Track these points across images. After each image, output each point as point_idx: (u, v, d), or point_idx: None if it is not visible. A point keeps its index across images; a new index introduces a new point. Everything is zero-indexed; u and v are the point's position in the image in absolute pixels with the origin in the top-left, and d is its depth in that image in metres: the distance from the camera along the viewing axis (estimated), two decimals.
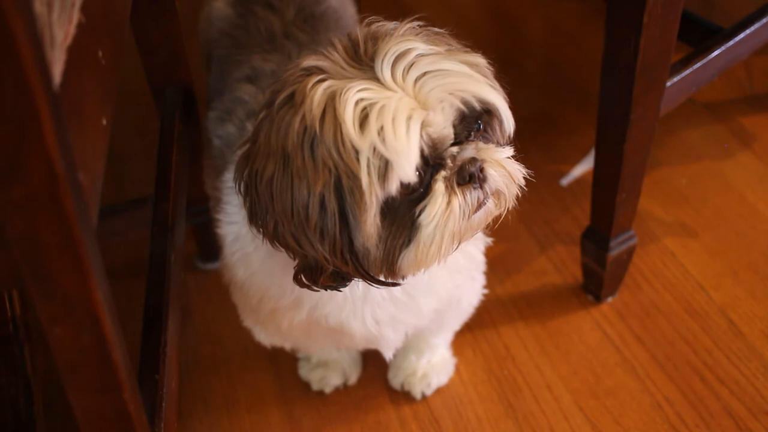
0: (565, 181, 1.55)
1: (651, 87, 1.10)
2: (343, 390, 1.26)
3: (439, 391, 1.24)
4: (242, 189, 0.85)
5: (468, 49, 0.88)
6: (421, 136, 0.78)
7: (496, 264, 1.40)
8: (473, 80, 0.82)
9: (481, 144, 0.85)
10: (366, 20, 0.90)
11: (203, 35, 1.29)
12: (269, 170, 0.81)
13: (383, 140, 0.76)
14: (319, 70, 0.81)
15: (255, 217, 0.85)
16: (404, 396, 1.24)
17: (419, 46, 0.82)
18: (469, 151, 0.83)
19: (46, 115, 0.51)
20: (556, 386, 1.23)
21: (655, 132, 1.16)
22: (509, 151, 0.89)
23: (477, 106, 0.82)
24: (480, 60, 0.86)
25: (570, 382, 1.24)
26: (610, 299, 1.34)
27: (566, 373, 1.25)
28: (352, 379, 1.25)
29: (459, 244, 0.86)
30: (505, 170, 0.86)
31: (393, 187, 0.78)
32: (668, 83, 1.13)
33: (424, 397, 1.23)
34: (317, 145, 0.78)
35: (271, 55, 1.10)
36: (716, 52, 1.22)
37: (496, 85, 0.87)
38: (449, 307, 1.06)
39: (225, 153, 1.05)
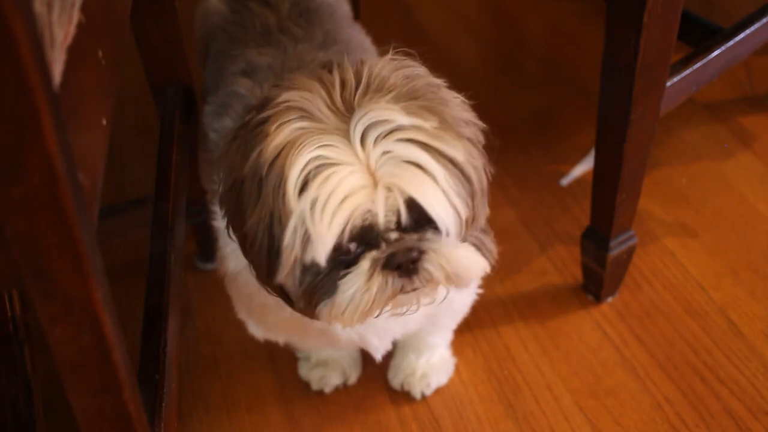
0: (565, 181, 1.55)
1: (651, 87, 1.10)
2: (343, 390, 1.26)
3: (438, 391, 1.24)
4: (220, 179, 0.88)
5: (462, 109, 0.85)
6: (348, 221, 0.77)
7: (496, 264, 1.39)
8: (425, 186, 0.78)
9: (430, 235, 0.82)
10: (375, 55, 0.90)
11: (198, 31, 1.30)
12: (232, 179, 0.84)
13: (311, 215, 0.77)
14: (297, 108, 0.81)
15: (221, 204, 0.89)
16: (404, 396, 1.24)
17: (401, 120, 0.78)
18: (409, 240, 0.81)
19: (46, 115, 0.51)
20: (556, 386, 1.23)
21: (655, 132, 1.16)
22: (466, 247, 0.86)
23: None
24: (460, 156, 0.80)
25: (570, 382, 1.24)
26: (610, 299, 1.34)
27: (566, 373, 1.25)
28: (352, 378, 1.25)
29: (384, 311, 0.86)
30: (453, 265, 0.84)
31: (309, 259, 0.79)
32: (668, 83, 1.13)
33: (423, 397, 1.23)
34: (263, 184, 0.80)
35: (267, 49, 1.10)
36: (716, 52, 1.22)
37: (461, 189, 0.81)
38: (441, 309, 1.04)
39: (221, 146, 1.05)
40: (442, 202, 0.79)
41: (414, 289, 0.84)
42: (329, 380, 1.24)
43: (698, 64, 1.19)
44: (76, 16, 0.64)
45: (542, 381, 1.24)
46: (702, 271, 1.37)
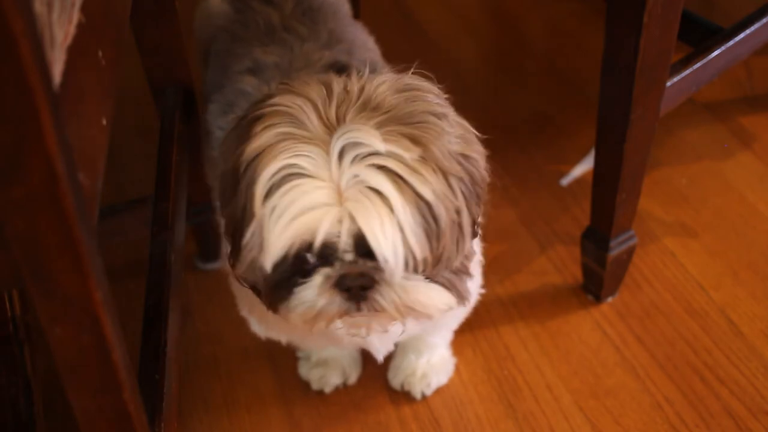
0: (565, 181, 1.55)
1: (651, 87, 1.10)
2: (343, 390, 1.26)
3: (439, 391, 1.24)
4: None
5: (460, 143, 0.82)
6: (300, 235, 0.77)
7: (496, 264, 1.40)
8: (377, 217, 0.76)
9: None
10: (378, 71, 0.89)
11: (199, 32, 1.29)
12: (223, 168, 0.86)
13: (268, 222, 0.78)
14: (286, 113, 0.81)
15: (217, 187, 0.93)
16: (404, 396, 1.24)
17: (378, 146, 0.77)
18: (362, 266, 0.80)
19: (46, 115, 0.51)
20: (556, 386, 1.23)
21: (655, 132, 1.16)
22: (428, 284, 0.83)
23: None
24: (430, 194, 0.77)
25: (570, 382, 1.24)
26: (610, 299, 1.34)
27: (566, 373, 1.25)
28: (352, 378, 1.25)
29: (338, 327, 0.86)
30: (407, 300, 0.82)
31: (260, 262, 0.80)
32: (668, 83, 1.13)
33: (424, 396, 1.23)
34: (239, 181, 0.81)
35: (272, 48, 1.10)
36: (716, 52, 1.22)
37: (423, 228, 0.78)
38: None
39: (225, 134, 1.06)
40: (391, 237, 0.77)
41: (362, 315, 0.84)
42: (329, 380, 1.24)
43: (698, 64, 1.19)
44: (76, 16, 0.64)
45: (542, 381, 1.24)
46: (702, 271, 1.37)
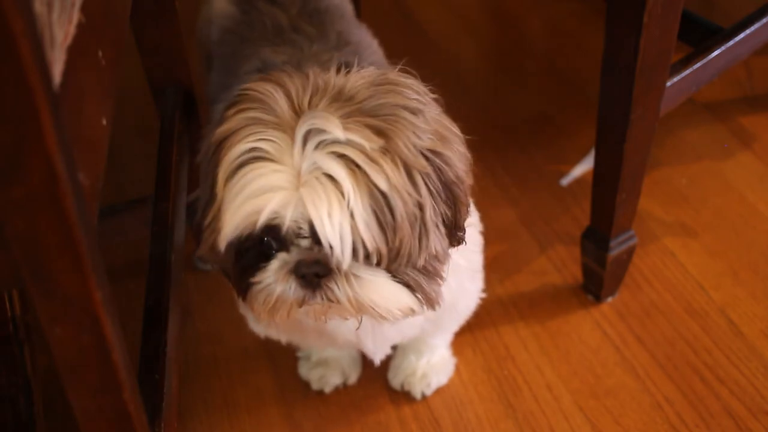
0: (565, 181, 1.55)
1: (651, 87, 1.10)
2: (343, 390, 1.26)
3: (439, 391, 1.24)
4: None
5: (430, 139, 0.81)
6: (252, 216, 0.78)
7: (496, 264, 1.40)
8: (326, 204, 0.76)
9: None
10: (347, 65, 0.88)
11: (203, 34, 1.29)
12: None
13: (225, 203, 0.79)
14: (258, 99, 0.82)
15: None
16: (404, 396, 1.24)
17: (338, 134, 0.77)
18: (317, 254, 0.80)
19: (46, 115, 0.51)
20: (556, 386, 1.23)
21: (655, 132, 1.16)
22: (388, 281, 0.82)
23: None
24: (385, 184, 0.77)
25: (570, 382, 1.24)
26: (610, 299, 1.34)
27: (566, 373, 1.25)
28: (352, 378, 1.25)
29: (299, 314, 0.86)
30: (361, 294, 0.82)
31: (218, 244, 0.82)
32: (668, 83, 1.13)
33: (424, 397, 1.23)
34: (209, 163, 0.83)
35: (282, 48, 1.10)
36: (716, 52, 1.22)
37: (377, 219, 0.78)
38: (444, 312, 1.02)
39: None
40: (338, 223, 0.77)
41: (317, 304, 0.83)
42: (329, 380, 1.24)
43: (698, 64, 1.19)
44: (76, 16, 0.64)
45: (542, 381, 1.24)
46: (702, 271, 1.37)
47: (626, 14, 1.03)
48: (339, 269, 0.81)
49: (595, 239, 1.26)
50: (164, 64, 1.24)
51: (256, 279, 0.83)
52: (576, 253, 1.37)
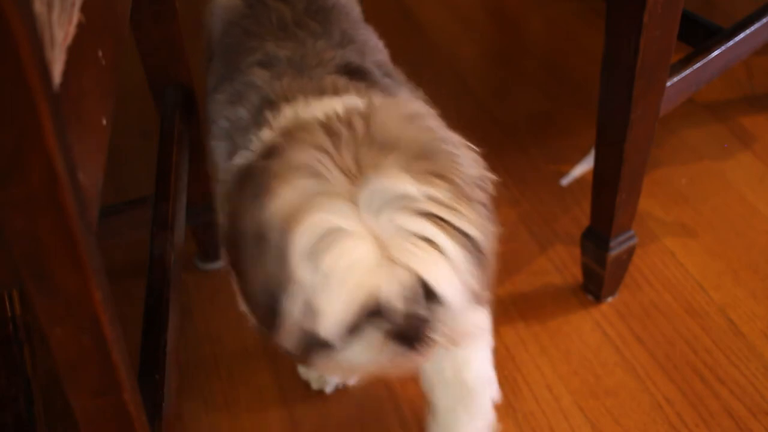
0: (565, 181, 1.55)
1: (651, 87, 1.10)
2: (343, 390, 1.26)
3: None
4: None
5: (473, 164, 0.80)
6: (357, 297, 0.73)
7: (496, 264, 1.39)
8: (434, 264, 0.74)
9: (437, 304, 0.78)
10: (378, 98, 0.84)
11: (207, 26, 1.27)
12: (234, 224, 0.80)
13: (319, 289, 0.73)
14: (304, 166, 0.75)
15: (222, 241, 0.85)
16: (404, 395, 1.24)
17: (412, 190, 0.73)
18: (417, 311, 0.77)
19: (46, 115, 0.51)
20: (556, 386, 1.23)
21: (655, 132, 1.16)
22: (473, 310, 0.81)
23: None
24: (475, 230, 0.76)
25: (570, 382, 1.24)
26: (610, 299, 1.34)
27: (566, 373, 1.25)
28: (352, 378, 1.25)
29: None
30: (458, 332, 0.80)
31: (312, 329, 0.75)
32: (668, 83, 1.13)
33: None
34: (265, 245, 0.76)
35: (285, 42, 1.08)
36: (716, 52, 1.22)
37: (474, 264, 0.77)
38: None
39: (234, 136, 1.01)
40: (452, 280, 0.76)
41: (417, 354, 0.80)
42: (329, 380, 1.24)
43: (698, 64, 1.19)
44: (76, 16, 0.64)
45: (542, 381, 1.24)
46: (702, 271, 1.37)
47: (626, 14, 1.03)
48: (436, 321, 0.78)
49: (595, 239, 1.26)
50: (164, 64, 1.24)
51: (344, 352, 0.78)
52: (576, 253, 1.37)
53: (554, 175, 1.56)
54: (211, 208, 1.36)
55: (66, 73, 0.61)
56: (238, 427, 1.23)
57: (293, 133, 0.82)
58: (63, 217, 0.55)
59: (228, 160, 1.01)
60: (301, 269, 0.73)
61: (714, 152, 1.57)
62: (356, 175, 0.75)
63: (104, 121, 0.71)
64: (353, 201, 0.74)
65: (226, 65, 1.13)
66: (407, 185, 0.74)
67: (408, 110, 0.82)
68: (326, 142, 0.77)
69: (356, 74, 0.99)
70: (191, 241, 1.42)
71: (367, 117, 0.80)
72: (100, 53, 0.71)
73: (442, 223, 0.75)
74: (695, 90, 1.22)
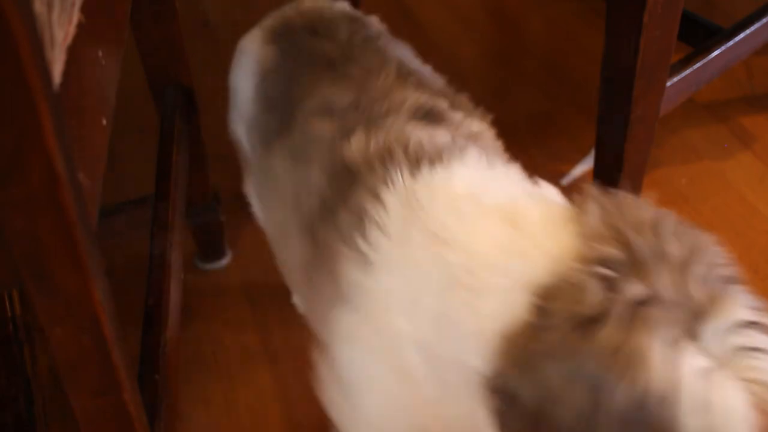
0: (565, 181, 1.55)
1: (651, 87, 1.10)
2: None
3: None
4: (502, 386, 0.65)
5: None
6: None
7: None
8: None
9: None
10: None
11: (240, 81, 1.09)
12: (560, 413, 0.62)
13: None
14: (661, 318, 0.61)
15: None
16: None
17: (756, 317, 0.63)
18: None
19: (46, 115, 0.51)
20: None
21: (655, 132, 1.16)
22: None
23: None
24: None
25: None
26: None
27: None
28: None
29: None
30: None
31: None
32: (668, 83, 1.13)
33: None
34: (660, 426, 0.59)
35: (340, 84, 0.93)
36: (716, 52, 1.22)
37: None
38: None
39: (307, 201, 0.86)
40: None
41: None
42: None
43: (698, 64, 1.19)
44: (76, 16, 0.64)
45: None
46: None
47: (626, 14, 1.03)
48: None
49: None
50: (164, 64, 1.24)
51: None
52: None
53: (554, 175, 1.56)
54: (211, 208, 1.37)
55: (66, 73, 0.61)
56: (238, 427, 1.23)
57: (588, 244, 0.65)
58: (63, 217, 0.55)
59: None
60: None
61: (714, 152, 1.57)
62: (697, 311, 0.63)
63: (104, 121, 0.71)
64: (704, 342, 0.62)
65: (276, 116, 0.99)
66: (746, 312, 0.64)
67: (669, 221, 0.72)
68: (658, 280, 0.63)
69: (432, 118, 0.87)
70: (191, 241, 1.42)
71: (648, 228, 0.68)
72: (100, 53, 0.71)
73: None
74: (695, 90, 1.22)
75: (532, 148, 1.60)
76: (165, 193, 1.11)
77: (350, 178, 0.80)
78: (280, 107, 0.97)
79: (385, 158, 0.79)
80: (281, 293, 1.28)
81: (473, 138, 0.89)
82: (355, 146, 0.82)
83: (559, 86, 1.76)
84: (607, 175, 1.19)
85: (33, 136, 0.51)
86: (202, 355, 1.32)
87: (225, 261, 1.44)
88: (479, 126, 0.92)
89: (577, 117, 1.67)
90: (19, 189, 0.53)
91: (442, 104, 0.89)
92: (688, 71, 1.17)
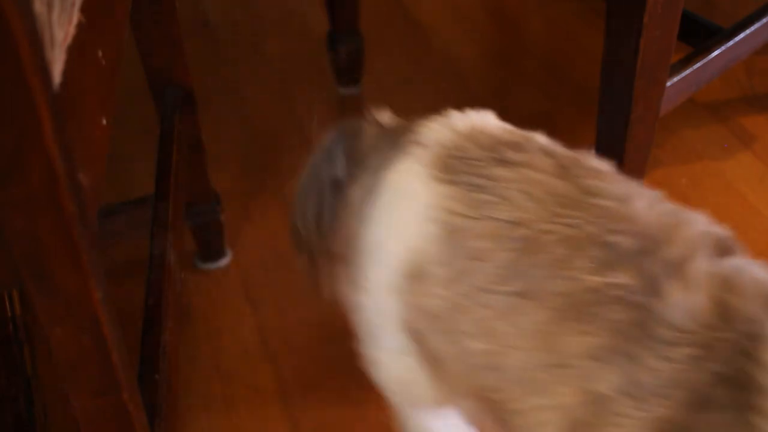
0: None
1: (651, 87, 1.10)
2: (344, 389, 1.25)
3: None
4: None
5: None
6: None
7: None
8: None
9: None
10: None
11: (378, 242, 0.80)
12: None
13: None
14: None
15: None
16: None
17: None
18: None
19: (46, 115, 0.51)
20: None
21: (655, 132, 1.16)
22: None
23: None
24: None
25: None
26: None
27: None
28: None
29: None
30: None
31: None
32: (668, 83, 1.13)
33: None
34: None
35: (616, 269, 0.66)
36: (716, 52, 1.22)
37: None
38: None
39: None
40: None
41: None
42: None
43: (698, 64, 1.19)
44: (76, 16, 0.64)
45: None
46: None
47: (626, 14, 1.03)
48: None
49: None
50: (164, 64, 1.24)
51: None
52: None
53: None
54: (211, 208, 1.37)
55: (66, 73, 0.61)
56: (238, 427, 1.23)
57: None
58: (63, 217, 0.55)
59: None
60: None
61: (714, 152, 1.57)
62: None
63: (104, 121, 0.71)
64: None
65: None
66: None
67: None
68: None
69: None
70: (191, 241, 1.42)
71: None
72: (100, 53, 0.71)
73: None
74: (695, 90, 1.22)
75: None
76: (165, 193, 1.11)
77: None
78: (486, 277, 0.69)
79: None
80: (281, 293, 1.28)
81: None
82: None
83: (559, 86, 1.76)
84: None
85: (33, 136, 0.51)
86: (202, 355, 1.32)
87: (225, 261, 1.44)
88: None
89: (577, 117, 1.67)
90: (19, 189, 0.53)
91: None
92: (688, 71, 1.17)
